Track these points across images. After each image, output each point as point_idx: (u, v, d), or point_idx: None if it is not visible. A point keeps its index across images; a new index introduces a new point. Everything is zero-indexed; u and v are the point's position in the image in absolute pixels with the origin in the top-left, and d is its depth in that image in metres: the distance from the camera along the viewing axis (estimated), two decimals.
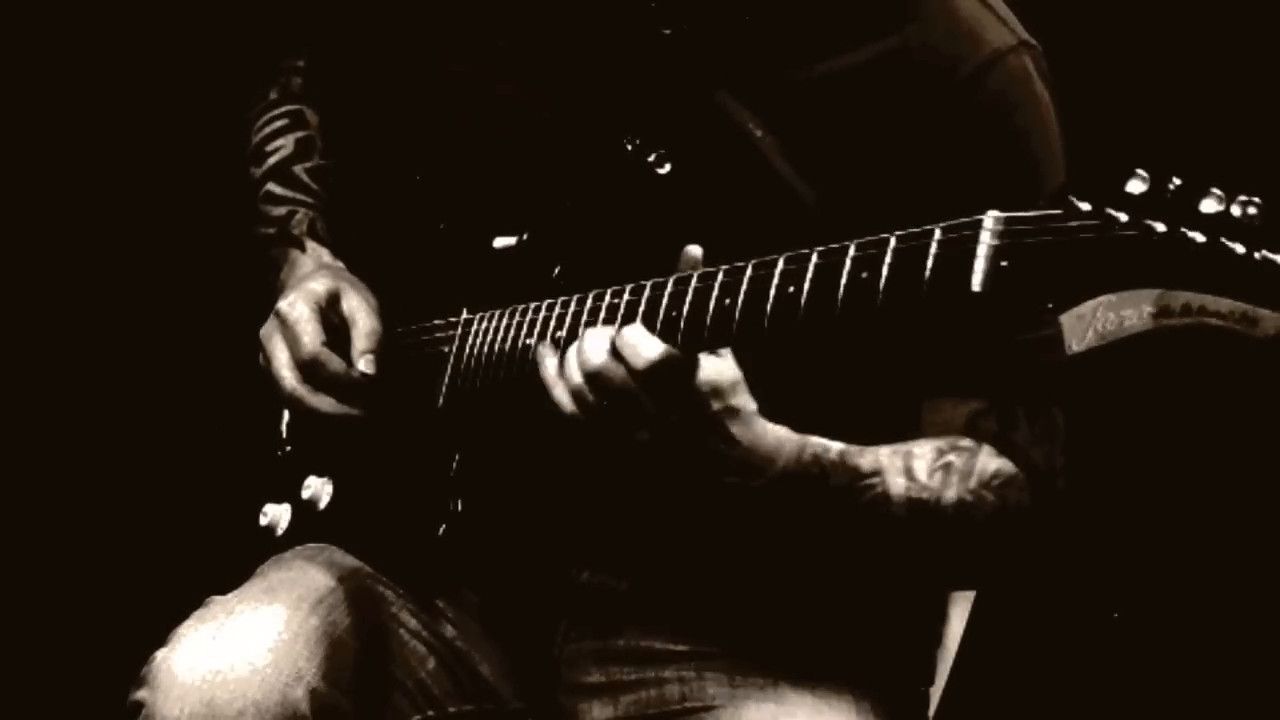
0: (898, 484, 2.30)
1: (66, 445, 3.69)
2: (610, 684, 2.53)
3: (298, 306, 2.57)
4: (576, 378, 2.24)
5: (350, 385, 2.55)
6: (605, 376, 2.21)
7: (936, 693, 2.64)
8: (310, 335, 2.55)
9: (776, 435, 2.27)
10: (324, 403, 2.55)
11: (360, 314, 2.57)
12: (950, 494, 2.30)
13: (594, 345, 2.22)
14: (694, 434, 2.23)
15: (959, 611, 2.65)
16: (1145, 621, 3.42)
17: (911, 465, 2.31)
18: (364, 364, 2.54)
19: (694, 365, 2.20)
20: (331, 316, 2.58)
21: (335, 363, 2.55)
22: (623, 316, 2.26)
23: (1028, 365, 2.32)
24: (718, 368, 2.22)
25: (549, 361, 2.29)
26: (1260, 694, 3.35)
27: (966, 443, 2.34)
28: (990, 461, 2.33)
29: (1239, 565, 3.39)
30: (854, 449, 2.31)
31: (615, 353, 2.21)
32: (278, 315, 2.58)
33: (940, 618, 2.64)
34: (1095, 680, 3.43)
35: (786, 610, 2.51)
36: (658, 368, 2.18)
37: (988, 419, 2.35)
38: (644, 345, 2.19)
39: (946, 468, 2.31)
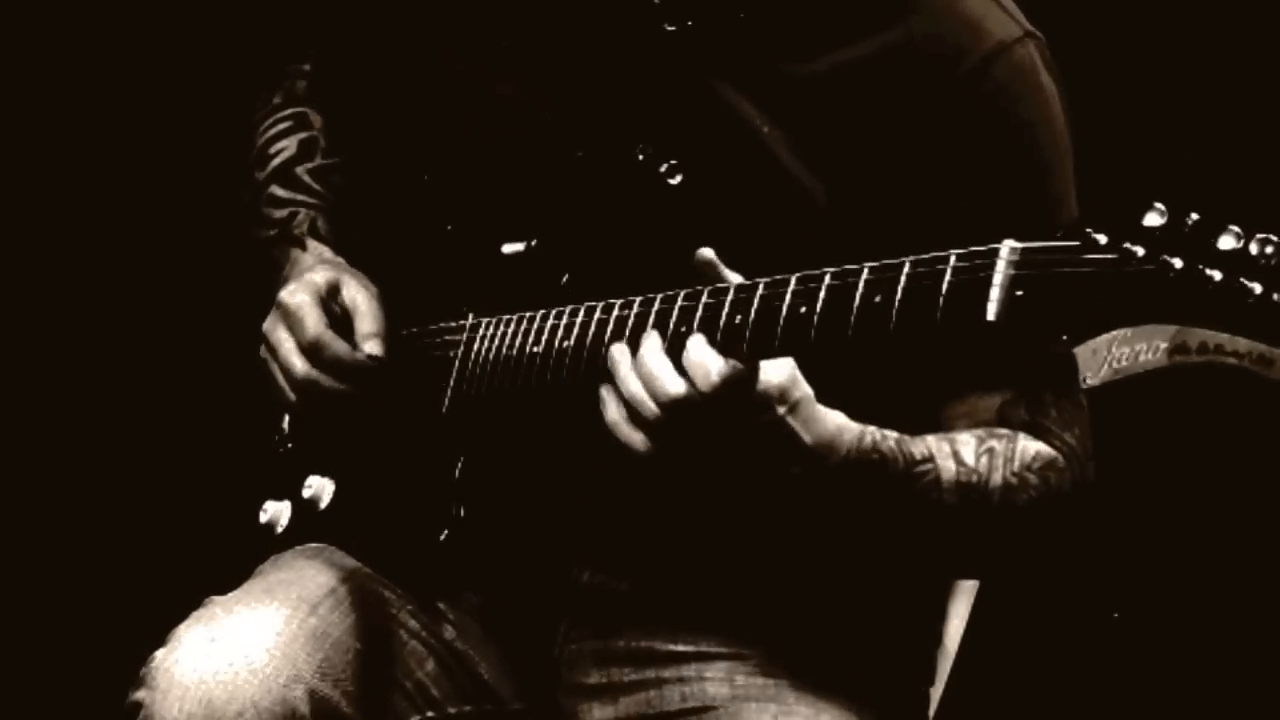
0: (948, 469, 2.29)
1: (66, 444, 3.69)
2: (610, 685, 2.52)
3: (298, 295, 2.56)
4: (649, 406, 2.21)
5: (354, 368, 2.54)
6: (678, 399, 2.19)
7: (936, 693, 2.64)
8: (313, 319, 2.54)
9: (836, 422, 2.25)
10: (333, 382, 2.54)
11: (361, 301, 2.56)
12: (996, 477, 2.30)
13: (659, 367, 2.20)
14: (759, 439, 2.22)
15: (959, 611, 2.65)
16: (1145, 621, 3.42)
17: (958, 450, 2.30)
18: (369, 346, 2.54)
19: (754, 374, 2.19)
20: (333, 306, 2.57)
21: (339, 345, 2.54)
22: (672, 334, 2.23)
23: (1042, 354, 2.30)
24: (775, 368, 2.20)
25: (611, 399, 2.27)
26: (1260, 694, 3.35)
27: (1003, 430, 2.34)
28: (1030, 445, 2.33)
29: (1239, 566, 3.39)
30: (906, 436, 2.30)
31: (681, 372, 2.19)
32: (279, 306, 2.58)
33: (940, 617, 2.64)
34: (1095, 680, 3.43)
35: (787, 611, 2.50)
36: (725, 384, 2.17)
37: (1016, 407, 2.36)
38: (711, 363, 2.17)
39: (990, 452, 2.31)
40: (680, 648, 2.51)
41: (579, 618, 2.54)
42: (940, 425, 2.37)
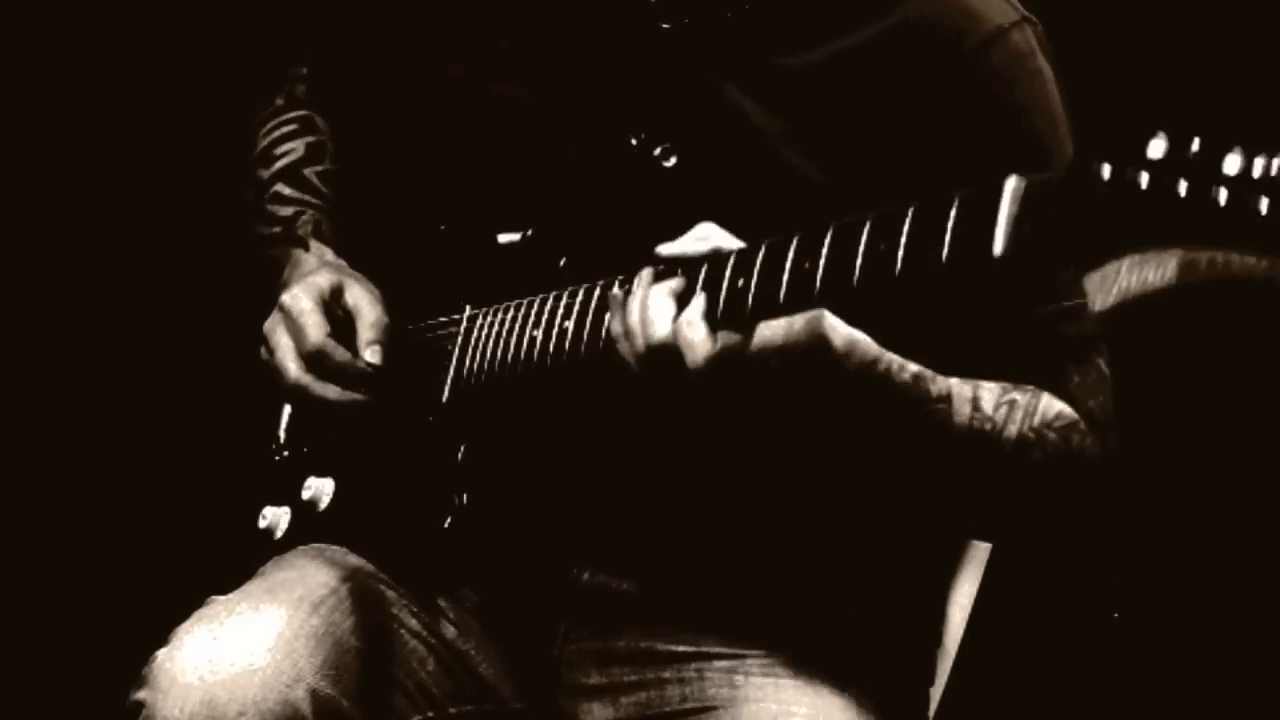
0: (962, 412, 2.27)
1: (67, 447, 3.68)
2: (610, 685, 2.52)
3: (301, 299, 2.56)
4: (639, 345, 2.21)
5: (356, 376, 2.54)
6: (669, 352, 2.18)
7: (936, 693, 2.63)
8: (315, 326, 2.54)
9: (849, 338, 2.23)
10: (330, 391, 2.54)
11: (364, 305, 2.57)
12: (1012, 429, 2.29)
13: (660, 317, 2.20)
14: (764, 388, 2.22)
15: (959, 611, 2.65)
16: (1145, 621, 3.42)
17: (979, 395, 2.28)
18: (370, 354, 2.54)
19: (744, 344, 2.18)
20: (335, 309, 2.57)
21: (341, 353, 2.54)
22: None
23: (1051, 338, 2.33)
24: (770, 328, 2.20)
25: (617, 319, 2.25)
26: (1260, 694, 3.35)
27: (1029, 386, 2.32)
28: (1054, 404, 2.32)
29: (1239, 565, 3.40)
30: (928, 373, 2.27)
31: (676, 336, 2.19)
32: (281, 309, 2.58)
33: (940, 617, 2.63)
34: (1095, 680, 3.43)
35: (787, 611, 2.50)
36: (714, 359, 2.16)
37: (1038, 380, 2.33)
38: (699, 339, 2.16)
39: (1011, 404, 2.29)
40: (680, 648, 2.50)
41: (579, 618, 2.54)
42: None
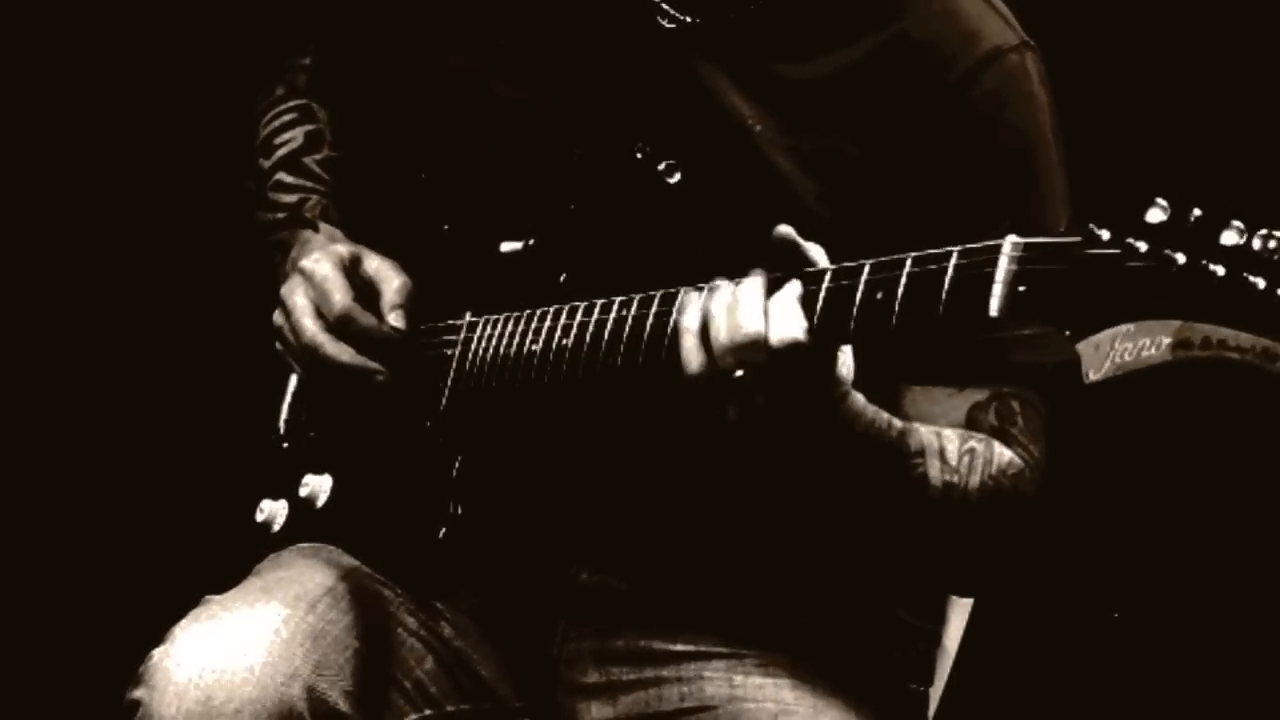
0: (935, 466, 2.29)
1: (64, 443, 3.68)
2: (609, 684, 2.52)
3: (323, 264, 2.56)
4: (722, 338, 2.18)
5: (381, 341, 2.52)
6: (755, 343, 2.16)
7: (936, 693, 2.64)
8: (340, 290, 2.53)
9: (861, 401, 2.26)
10: (344, 353, 2.52)
11: (387, 270, 2.56)
12: (975, 480, 2.31)
13: (751, 308, 2.18)
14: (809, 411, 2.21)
15: (959, 612, 2.65)
16: (1145, 621, 3.42)
17: (944, 448, 2.31)
18: (395, 318, 2.53)
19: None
20: (355, 278, 2.56)
21: (367, 318, 2.53)
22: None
23: (1002, 362, 2.34)
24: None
25: (691, 312, 2.23)
26: (1260, 694, 3.35)
27: (980, 434, 2.34)
28: (1004, 451, 2.34)
29: (1238, 566, 3.39)
30: (907, 427, 2.30)
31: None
32: (302, 272, 2.56)
33: (939, 618, 2.64)
34: (1095, 681, 3.43)
35: (786, 611, 2.50)
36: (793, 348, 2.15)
37: (985, 412, 2.36)
38: (792, 320, 2.14)
39: (971, 453, 2.32)
40: (679, 647, 2.50)
41: (578, 617, 2.53)
42: (907, 416, 2.36)
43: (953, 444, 2.31)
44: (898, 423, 2.29)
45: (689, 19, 2.46)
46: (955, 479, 2.30)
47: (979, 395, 2.36)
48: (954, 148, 2.35)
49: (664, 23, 2.47)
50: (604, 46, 2.51)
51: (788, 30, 2.43)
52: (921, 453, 2.29)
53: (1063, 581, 3.34)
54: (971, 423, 2.36)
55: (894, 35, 2.40)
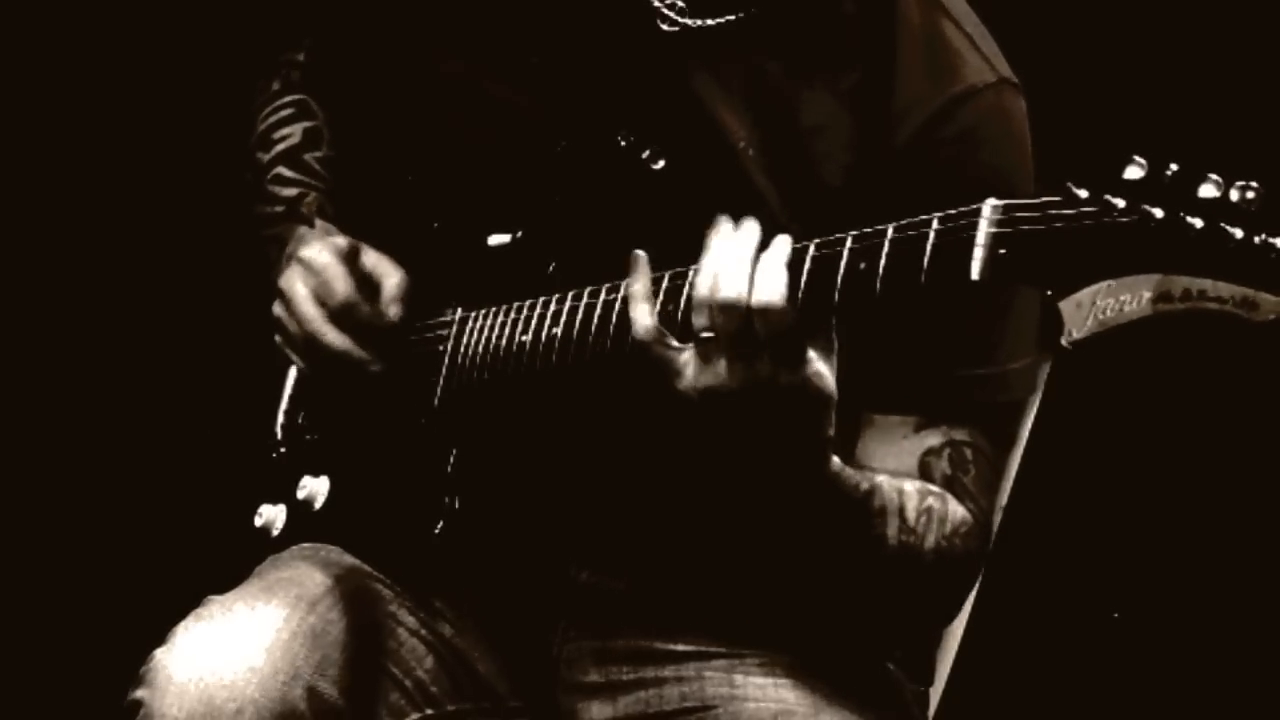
0: (893, 525, 2.31)
1: (64, 446, 3.68)
2: (609, 684, 2.52)
3: (323, 254, 2.56)
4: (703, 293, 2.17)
5: (381, 332, 2.53)
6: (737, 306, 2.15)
7: (936, 693, 2.64)
8: (341, 279, 2.54)
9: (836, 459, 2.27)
10: (342, 340, 2.53)
11: (386, 264, 2.57)
12: (930, 540, 2.33)
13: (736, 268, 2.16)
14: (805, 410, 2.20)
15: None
16: (1145, 621, 3.42)
17: (904, 505, 2.32)
18: (394, 311, 2.54)
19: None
20: (354, 269, 2.56)
21: (368, 308, 2.54)
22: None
23: (961, 400, 2.36)
24: None
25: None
26: (1260, 694, 3.34)
27: (935, 489, 2.35)
28: (957, 509, 2.36)
29: (1239, 565, 3.39)
30: (873, 485, 2.31)
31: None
32: (301, 262, 2.57)
33: None
34: (1095, 680, 3.43)
35: (786, 611, 2.50)
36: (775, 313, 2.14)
37: (940, 459, 2.37)
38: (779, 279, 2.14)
39: (928, 513, 2.33)
40: (679, 647, 2.50)
41: (577, 616, 2.54)
42: (854, 445, 2.37)
43: (911, 502, 2.32)
44: (865, 481, 2.30)
45: (692, 23, 2.47)
46: (911, 539, 2.31)
47: (933, 440, 2.37)
48: (927, 185, 2.31)
49: (664, 26, 2.48)
50: (601, 48, 2.52)
51: (785, 49, 2.44)
52: (883, 512, 2.30)
53: (1062, 582, 3.34)
54: (924, 468, 2.36)
55: (880, 68, 2.40)
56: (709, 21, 2.46)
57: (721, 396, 2.18)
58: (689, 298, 2.20)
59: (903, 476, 2.34)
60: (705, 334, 2.17)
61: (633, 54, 2.50)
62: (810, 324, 2.13)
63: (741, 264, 2.15)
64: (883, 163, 2.38)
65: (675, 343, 2.21)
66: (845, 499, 2.27)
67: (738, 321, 2.14)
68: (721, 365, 2.17)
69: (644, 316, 2.23)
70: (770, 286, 2.13)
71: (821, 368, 2.15)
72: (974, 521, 2.37)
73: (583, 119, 2.50)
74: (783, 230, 2.26)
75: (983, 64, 2.42)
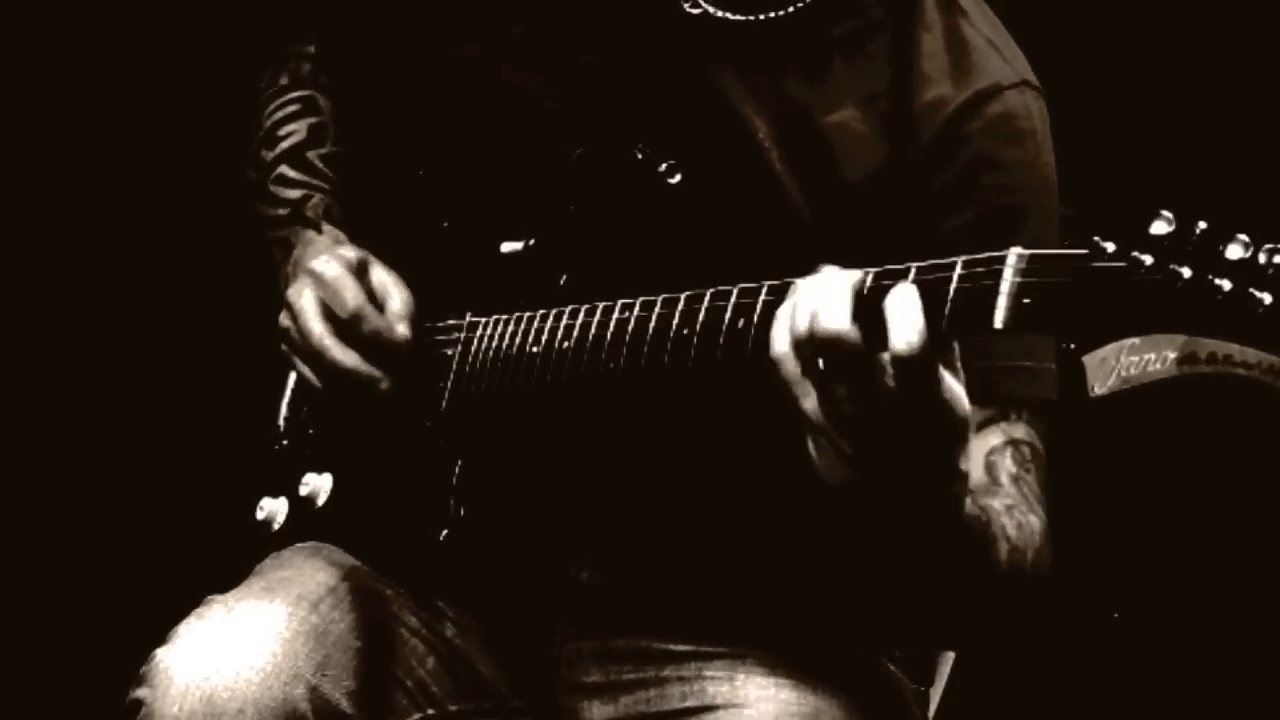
0: (1003, 548, 2.25)
1: (64, 443, 3.68)
2: (610, 683, 2.53)
3: (333, 265, 2.55)
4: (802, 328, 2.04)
5: (386, 346, 2.52)
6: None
7: (936, 693, 2.64)
8: (352, 290, 2.53)
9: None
10: (350, 357, 2.52)
11: (393, 281, 2.56)
12: (1029, 556, 2.28)
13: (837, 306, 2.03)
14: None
15: None
16: (1145, 621, 3.42)
17: (1005, 525, 2.26)
18: (402, 328, 2.52)
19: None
20: (363, 282, 2.55)
21: (377, 320, 2.52)
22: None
23: (1017, 391, 2.34)
24: None
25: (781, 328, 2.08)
26: (1260, 694, 3.36)
27: (1010, 496, 2.31)
28: (1035, 520, 2.31)
29: (1238, 565, 3.40)
30: (983, 505, 2.25)
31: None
32: (312, 274, 2.56)
33: None
34: (1095, 681, 3.44)
35: (787, 611, 2.50)
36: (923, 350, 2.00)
37: (1004, 458, 2.34)
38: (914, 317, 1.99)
39: (1021, 528, 2.28)
40: (680, 646, 2.51)
41: (578, 616, 2.54)
42: None
43: (1010, 521, 2.27)
44: (975, 507, 2.22)
45: (717, 13, 2.46)
46: (1018, 558, 2.26)
47: (994, 439, 2.34)
48: (949, 183, 2.35)
49: (688, 8, 2.47)
50: (623, 32, 2.51)
51: (810, 50, 2.44)
52: (995, 538, 2.24)
53: (1063, 582, 3.34)
54: (990, 468, 2.34)
55: (902, 70, 2.41)
56: (734, 16, 2.45)
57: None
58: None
59: (982, 491, 2.29)
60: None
61: (656, 40, 2.49)
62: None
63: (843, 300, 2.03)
64: (907, 161, 2.38)
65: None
66: (966, 529, 2.20)
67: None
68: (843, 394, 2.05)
69: (780, 343, 2.07)
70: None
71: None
72: (1047, 529, 2.33)
73: (602, 110, 2.49)
74: (807, 228, 2.31)
75: (1005, 66, 2.43)
